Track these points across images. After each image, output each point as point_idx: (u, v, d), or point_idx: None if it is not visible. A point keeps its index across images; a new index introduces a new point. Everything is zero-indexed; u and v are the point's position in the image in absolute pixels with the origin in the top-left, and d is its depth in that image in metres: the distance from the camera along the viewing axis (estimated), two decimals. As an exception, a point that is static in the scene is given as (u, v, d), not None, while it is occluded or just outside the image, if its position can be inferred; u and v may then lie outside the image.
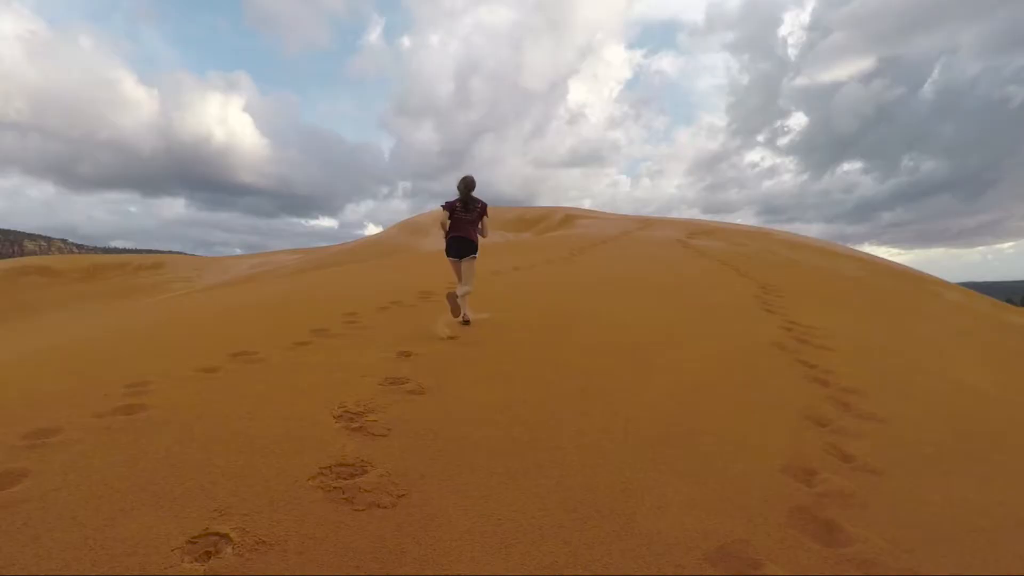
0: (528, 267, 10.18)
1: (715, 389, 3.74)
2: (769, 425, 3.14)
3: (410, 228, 36.21)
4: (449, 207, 5.49)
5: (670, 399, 3.48)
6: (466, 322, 5.52)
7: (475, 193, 5.56)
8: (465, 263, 5.59)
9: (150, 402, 2.98)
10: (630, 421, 3.05)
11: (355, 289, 8.34)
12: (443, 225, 5.54)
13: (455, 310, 5.53)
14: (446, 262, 5.74)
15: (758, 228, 23.12)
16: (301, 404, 3.07)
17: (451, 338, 4.90)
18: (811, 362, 4.64)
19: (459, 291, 5.53)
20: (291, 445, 2.49)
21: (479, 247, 5.68)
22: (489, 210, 5.70)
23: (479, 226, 5.62)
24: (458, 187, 5.52)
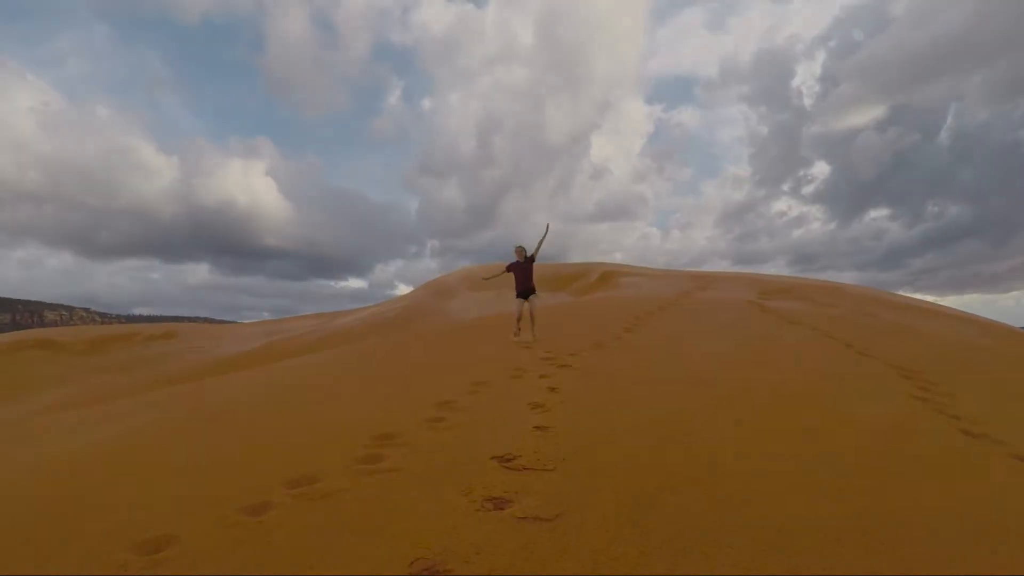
0: (566, 356, 6.92)
1: None
2: None
3: (436, 289, 34.43)
4: (510, 267, 9.02)
5: None
6: (518, 333, 8.79)
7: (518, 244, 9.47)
8: (528, 303, 8.73)
9: None
10: None
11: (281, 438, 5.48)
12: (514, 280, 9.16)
13: (517, 332, 8.65)
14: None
15: (825, 282, 20.48)
16: None
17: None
18: None
19: (525, 327, 8.71)
20: None
21: (536, 288, 9.11)
22: (535, 264, 9.12)
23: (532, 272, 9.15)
24: (515, 252, 8.96)
